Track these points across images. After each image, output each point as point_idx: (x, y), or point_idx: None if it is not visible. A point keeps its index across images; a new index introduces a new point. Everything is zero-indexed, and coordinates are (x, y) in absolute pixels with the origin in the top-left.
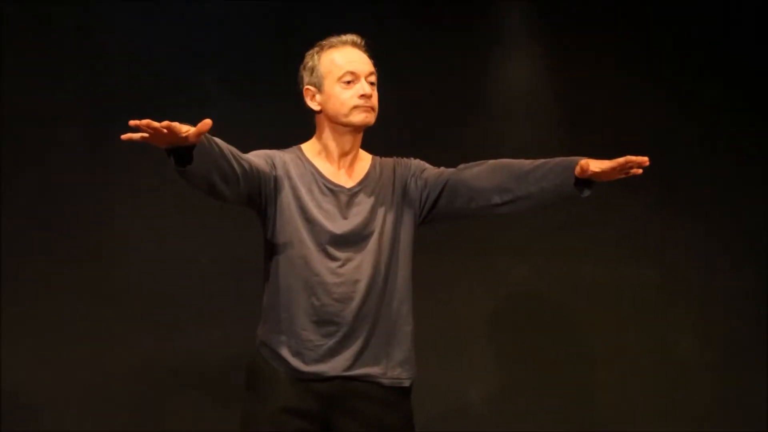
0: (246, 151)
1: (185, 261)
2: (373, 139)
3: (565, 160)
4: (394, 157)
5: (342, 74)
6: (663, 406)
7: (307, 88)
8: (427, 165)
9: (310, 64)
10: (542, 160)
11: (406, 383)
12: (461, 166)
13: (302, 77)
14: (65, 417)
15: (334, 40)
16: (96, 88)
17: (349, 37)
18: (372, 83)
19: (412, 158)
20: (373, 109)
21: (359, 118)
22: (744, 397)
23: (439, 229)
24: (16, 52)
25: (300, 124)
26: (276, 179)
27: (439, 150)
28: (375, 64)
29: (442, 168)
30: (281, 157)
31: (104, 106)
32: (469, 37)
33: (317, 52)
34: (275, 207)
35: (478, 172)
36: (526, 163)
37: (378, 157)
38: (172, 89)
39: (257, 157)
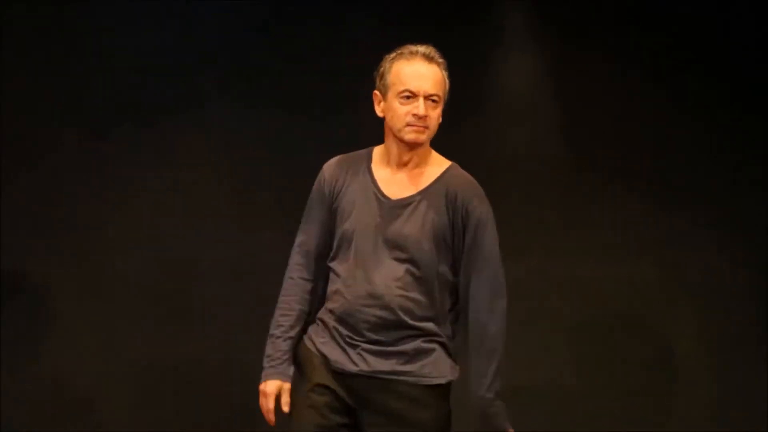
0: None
1: (185, 261)
2: (373, 139)
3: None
4: (469, 180)
5: (402, 90)
6: (663, 406)
7: (375, 93)
8: (481, 229)
9: (381, 69)
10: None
11: (437, 381)
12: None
13: (375, 80)
14: (65, 417)
15: (406, 50)
16: (96, 88)
17: (421, 49)
18: (434, 101)
19: (484, 206)
20: (427, 128)
21: (410, 136)
22: (744, 397)
23: None
24: (16, 52)
25: (299, 125)
26: (336, 204)
27: (440, 150)
28: (445, 75)
29: (470, 267)
30: (332, 174)
31: (104, 106)
32: (469, 38)
33: (391, 59)
34: (336, 213)
35: (471, 312)
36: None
37: (451, 172)
38: (172, 89)
39: (313, 221)
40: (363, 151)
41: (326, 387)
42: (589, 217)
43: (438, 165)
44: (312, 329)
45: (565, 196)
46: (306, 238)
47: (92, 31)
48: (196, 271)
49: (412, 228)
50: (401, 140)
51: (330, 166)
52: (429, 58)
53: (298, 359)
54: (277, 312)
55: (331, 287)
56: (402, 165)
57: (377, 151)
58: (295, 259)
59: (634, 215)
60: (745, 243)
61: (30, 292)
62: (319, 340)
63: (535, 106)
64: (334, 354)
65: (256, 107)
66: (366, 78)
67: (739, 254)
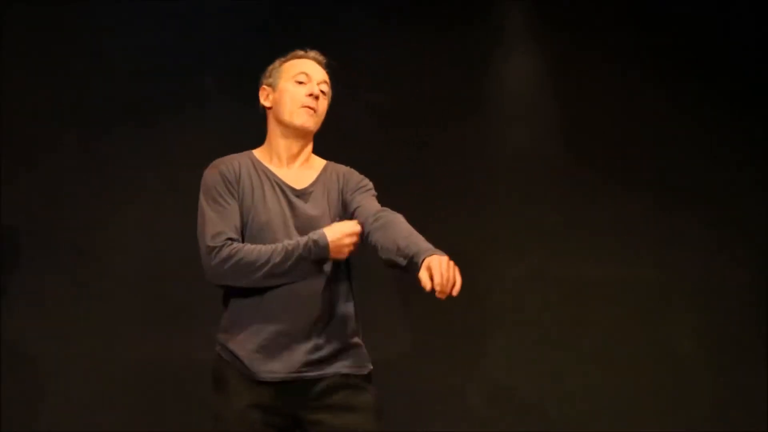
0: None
1: (185, 261)
2: (374, 139)
3: (417, 254)
4: (348, 168)
5: (296, 73)
6: (663, 406)
7: (263, 88)
8: (365, 189)
9: (271, 68)
10: (410, 241)
11: (364, 371)
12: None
13: (261, 82)
14: (65, 417)
15: (299, 51)
16: (96, 88)
17: (311, 52)
18: (323, 91)
19: (363, 177)
20: (316, 112)
21: (301, 119)
22: (744, 397)
23: (438, 230)
24: (16, 52)
25: None
26: (241, 199)
27: (440, 150)
28: (331, 81)
29: (366, 205)
30: (232, 165)
31: (104, 106)
32: (469, 37)
33: (281, 60)
34: (242, 207)
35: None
36: (400, 237)
37: (332, 163)
38: (172, 89)
39: (230, 212)
40: (241, 154)
41: (259, 406)
42: (589, 217)
43: (318, 159)
44: (228, 340)
45: (565, 196)
46: (223, 227)
47: (92, 31)
48: (196, 271)
49: (319, 211)
50: (291, 125)
51: (222, 163)
52: (318, 61)
53: (218, 375)
54: (257, 252)
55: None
56: (291, 160)
57: (258, 153)
58: (239, 246)
59: (634, 215)
60: (745, 243)
61: (30, 292)
62: (245, 348)
63: (535, 106)
64: (267, 362)
65: (256, 107)
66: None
67: (739, 254)
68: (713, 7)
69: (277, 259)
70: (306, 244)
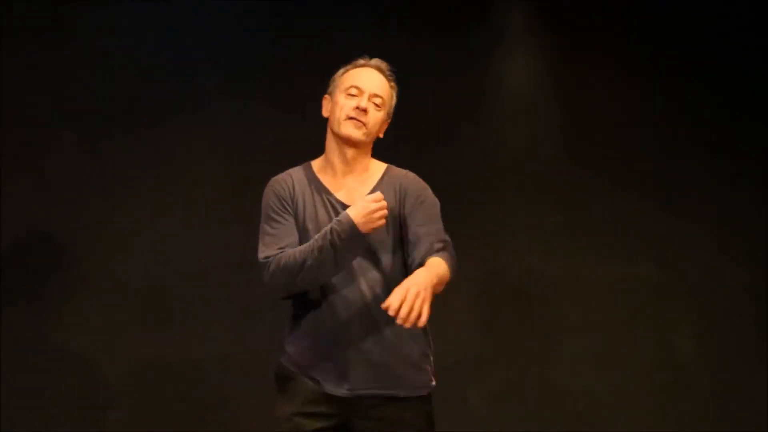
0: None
1: (185, 261)
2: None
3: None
4: (406, 173)
5: (349, 86)
6: (663, 406)
7: (325, 97)
8: (421, 205)
9: (334, 76)
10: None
11: (423, 392)
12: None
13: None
14: (65, 417)
15: (360, 61)
16: (96, 88)
17: (373, 61)
18: (377, 104)
19: (422, 186)
20: (365, 124)
21: (347, 130)
22: (744, 397)
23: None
24: (16, 52)
25: (297, 125)
26: (295, 212)
27: (440, 150)
28: (393, 89)
29: (422, 236)
30: (286, 183)
31: (104, 106)
32: (469, 37)
33: (344, 69)
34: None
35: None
36: None
37: (392, 169)
38: (172, 89)
39: (285, 229)
40: (298, 168)
41: (309, 413)
42: (589, 217)
43: (378, 167)
44: (292, 347)
45: (565, 196)
46: (278, 242)
47: (92, 31)
48: (196, 271)
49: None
50: (339, 136)
51: (276, 182)
52: (379, 69)
53: (279, 381)
54: (291, 256)
55: (308, 297)
56: (346, 171)
57: (316, 164)
58: (285, 252)
59: (634, 215)
60: (745, 243)
61: (30, 292)
62: (303, 360)
63: (535, 106)
64: (327, 373)
65: (256, 107)
66: None
67: (739, 254)
68: (713, 7)
69: (314, 253)
70: (332, 228)
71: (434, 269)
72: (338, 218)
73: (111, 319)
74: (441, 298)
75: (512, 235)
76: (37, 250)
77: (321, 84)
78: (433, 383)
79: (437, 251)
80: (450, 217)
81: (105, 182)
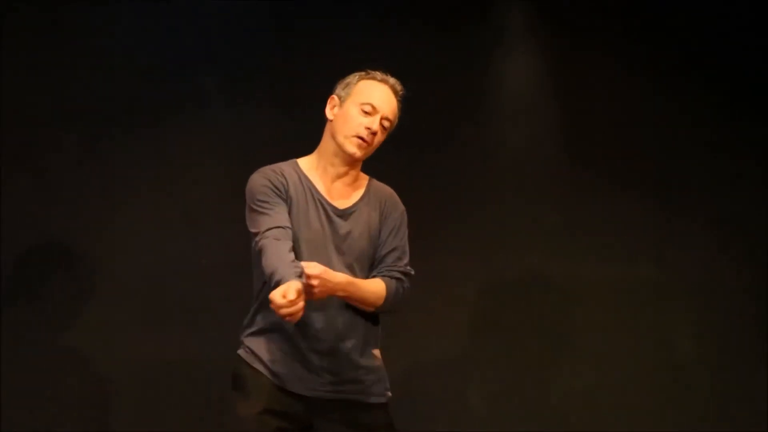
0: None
1: (185, 261)
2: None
3: None
4: (391, 193)
5: (366, 102)
6: (663, 406)
7: (333, 97)
8: (397, 234)
9: (348, 80)
10: None
11: (383, 399)
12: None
13: (336, 87)
14: (65, 417)
15: (378, 75)
16: (96, 89)
17: (391, 80)
18: (384, 126)
19: (401, 212)
20: (369, 145)
21: (352, 149)
22: (744, 397)
23: (437, 230)
24: (16, 53)
25: (297, 125)
26: (288, 207)
27: (440, 150)
28: (398, 111)
29: (387, 258)
30: (282, 174)
31: (104, 106)
32: (469, 37)
33: (360, 76)
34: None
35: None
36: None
37: (375, 183)
38: (172, 89)
39: (278, 210)
40: (286, 163)
41: (275, 412)
42: (589, 217)
43: (362, 177)
44: (253, 343)
45: (565, 196)
46: (274, 225)
47: (92, 31)
48: (195, 271)
49: (358, 232)
50: (341, 148)
51: (269, 172)
52: (395, 91)
53: (240, 379)
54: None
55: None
56: (337, 178)
57: (304, 162)
58: (270, 242)
59: (634, 215)
60: (745, 243)
61: (30, 292)
62: (268, 358)
63: (535, 106)
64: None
65: (256, 107)
66: None
67: (739, 254)
68: (713, 7)
69: (271, 282)
70: (276, 281)
71: (364, 283)
72: (278, 279)
73: (111, 319)
74: (441, 298)
75: (512, 235)
76: (37, 250)
77: (321, 84)
78: (389, 393)
79: (391, 278)
80: (450, 217)
81: (105, 182)
